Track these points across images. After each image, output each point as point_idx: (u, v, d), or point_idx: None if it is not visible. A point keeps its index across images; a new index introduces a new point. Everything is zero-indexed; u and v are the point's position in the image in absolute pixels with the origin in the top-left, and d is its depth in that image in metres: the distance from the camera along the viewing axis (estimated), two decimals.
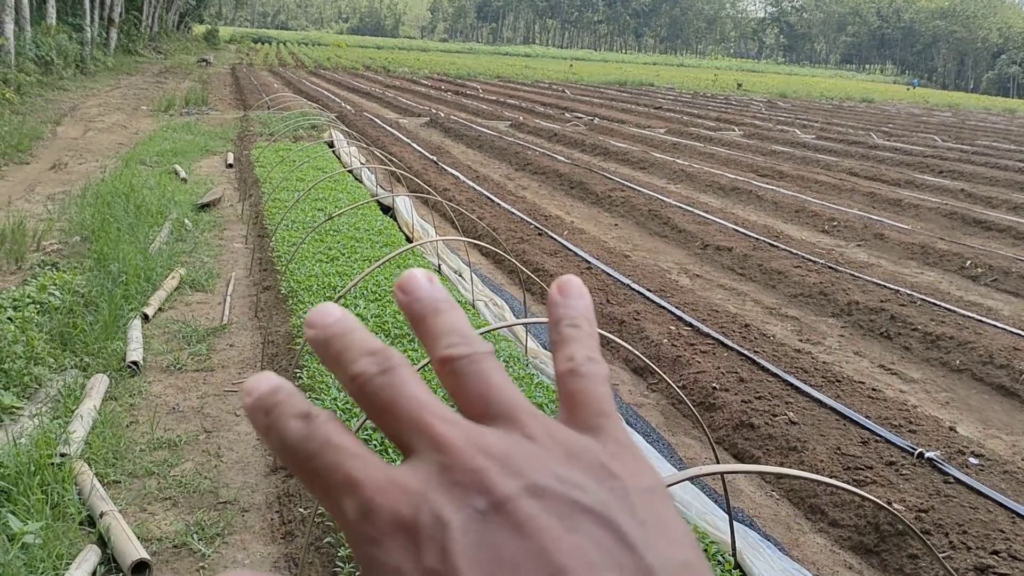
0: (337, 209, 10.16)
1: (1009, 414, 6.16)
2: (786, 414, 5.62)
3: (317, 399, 4.79)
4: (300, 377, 5.28)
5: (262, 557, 3.93)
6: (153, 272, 7.82)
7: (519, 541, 0.31)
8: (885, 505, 2.17)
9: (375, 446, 4.22)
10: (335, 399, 4.73)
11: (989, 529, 4.26)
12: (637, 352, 3.90)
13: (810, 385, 6.16)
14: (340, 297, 4.92)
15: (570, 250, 10.03)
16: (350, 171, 14.25)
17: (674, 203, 13.16)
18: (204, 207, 11.40)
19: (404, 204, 11.42)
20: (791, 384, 6.15)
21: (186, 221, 10.26)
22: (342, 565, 3.44)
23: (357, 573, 3.30)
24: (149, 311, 6.96)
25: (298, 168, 12.91)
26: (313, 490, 0.36)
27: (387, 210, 11.39)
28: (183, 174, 13.41)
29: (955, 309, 8.07)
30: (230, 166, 15.03)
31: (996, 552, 4.08)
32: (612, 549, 0.32)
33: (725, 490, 3.76)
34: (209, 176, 13.83)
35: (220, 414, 5.41)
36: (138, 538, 3.86)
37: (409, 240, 9.96)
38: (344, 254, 8.05)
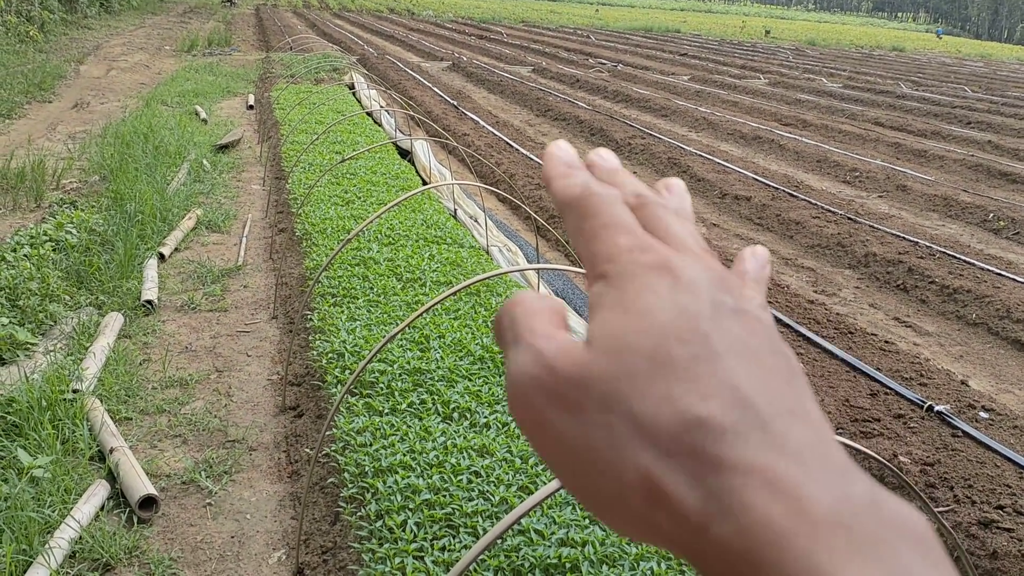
0: (354, 152, 10.13)
1: (1023, 369, 6.11)
2: None
3: (326, 340, 4.82)
4: (311, 319, 5.31)
5: (268, 495, 4.00)
6: (170, 212, 7.85)
7: (756, 337, 0.36)
8: (883, 460, 2.17)
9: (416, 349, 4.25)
10: (344, 341, 4.76)
11: (995, 484, 4.25)
12: None
13: (822, 336, 6.13)
14: (352, 238, 4.91)
15: None
16: (369, 114, 14.17)
17: (694, 151, 13.00)
18: (223, 148, 11.40)
19: (422, 148, 11.36)
20: (803, 335, 6.12)
21: (204, 162, 10.27)
22: (344, 505, 3.49)
23: (359, 513, 3.36)
24: (165, 251, 7.00)
25: (317, 110, 12.85)
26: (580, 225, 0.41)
27: (405, 154, 11.33)
28: (203, 115, 13.38)
29: (974, 262, 7.97)
30: (251, 107, 14.98)
31: (1001, 507, 4.07)
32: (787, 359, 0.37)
33: None
34: (229, 117, 13.80)
35: (232, 354, 5.46)
36: (147, 474, 3.93)
37: (426, 184, 9.92)
38: (360, 197, 8.03)
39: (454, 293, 3.47)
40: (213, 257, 7.22)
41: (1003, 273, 7.73)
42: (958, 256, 8.14)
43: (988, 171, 12.83)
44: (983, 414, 5.06)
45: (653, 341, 0.35)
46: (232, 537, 3.70)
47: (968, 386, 5.55)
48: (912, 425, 4.86)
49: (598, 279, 0.39)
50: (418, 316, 3.28)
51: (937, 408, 5.00)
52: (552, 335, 0.38)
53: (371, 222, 5.19)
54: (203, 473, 4.10)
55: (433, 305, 3.30)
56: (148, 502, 3.75)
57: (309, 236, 6.92)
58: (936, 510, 4.03)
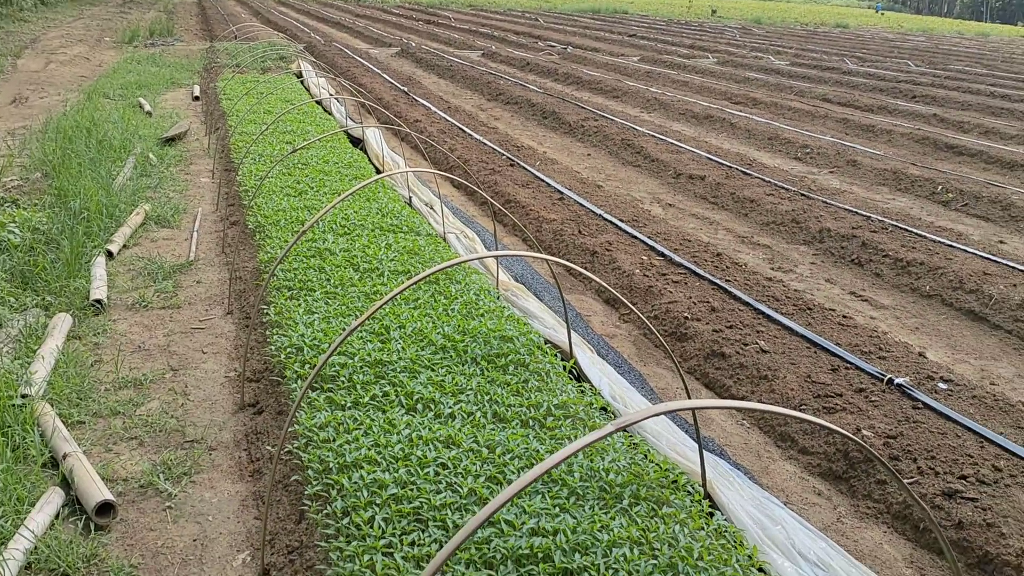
0: (305, 141, 9.96)
1: (978, 339, 6.20)
2: (757, 343, 5.62)
3: (284, 335, 4.72)
4: (267, 313, 5.20)
5: (230, 495, 3.90)
6: (117, 208, 7.64)
7: None
8: (852, 437, 2.15)
9: (344, 382, 4.17)
10: (302, 335, 4.66)
11: (957, 454, 4.30)
12: (607, 285, 3.85)
13: (781, 313, 6.16)
14: (307, 230, 4.80)
15: (542, 180, 9.91)
16: (319, 102, 13.95)
17: (647, 132, 13.01)
18: (170, 141, 11.13)
19: (374, 136, 11.21)
20: (762, 313, 6.15)
21: (151, 155, 10.02)
22: (309, 503, 3.41)
23: (325, 510, 3.29)
24: (113, 248, 6.81)
25: (265, 100, 12.61)
26: None
27: (357, 142, 11.17)
28: (148, 107, 13.06)
29: (926, 235, 8.08)
30: (196, 99, 14.66)
31: (964, 477, 4.12)
32: None
33: (696, 423, 3.75)
34: (175, 109, 13.48)
35: (187, 352, 5.33)
36: (103, 479, 3.81)
37: (379, 172, 9.79)
38: (313, 187, 7.89)
39: (415, 283, 3.40)
40: (163, 253, 7.05)
41: (954, 245, 7.84)
42: (910, 229, 8.25)
43: (935, 144, 13.02)
44: (942, 385, 5.12)
45: None
46: (194, 540, 3.60)
47: (926, 358, 5.62)
48: (873, 399, 4.90)
49: None
50: (379, 308, 3.21)
51: (897, 381, 5.05)
52: None
53: (326, 212, 5.08)
54: (161, 475, 3.99)
55: (394, 296, 3.23)
56: (105, 508, 3.64)
57: (262, 228, 6.78)
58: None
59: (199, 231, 7.65)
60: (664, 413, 2.16)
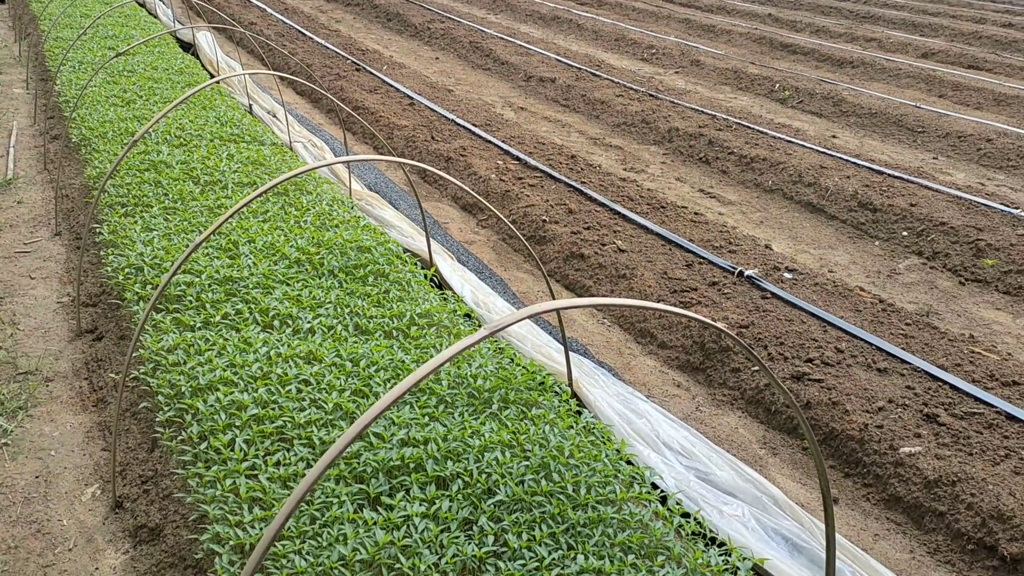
0: (130, 45, 9.21)
1: (816, 229, 6.49)
2: (615, 242, 5.68)
3: (121, 255, 4.39)
4: (100, 233, 4.82)
5: (73, 428, 3.64)
6: None
7: None
8: (714, 324, 2.17)
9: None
10: (141, 254, 4.34)
11: (803, 339, 4.50)
12: (468, 188, 3.74)
13: (636, 213, 6.24)
14: (138, 140, 4.42)
15: (391, 86, 9.59)
16: (141, 4, 12.95)
17: (495, 34, 12.77)
18: None
19: (207, 40, 10.49)
20: (618, 213, 6.21)
21: None
22: (162, 430, 3.22)
23: (180, 436, 3.11)
24: None
25: (81, 2, 11.56)
26: None
27: (188, 48, 10.44)
28: None
29: (767, 132, 8.34)
30: (2, 2, 13.30)
31: (810, 360, 4.33)
32: None
33: (561, 324, 3.75)
34: None
35: (12, 278, 4.90)
36: None
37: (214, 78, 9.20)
38: (141, 96, 7.32)
39: (263, 193, 3.19)
40: None
41: (793, 140, 8.13)
42: (752, 127, 8.48)
43: (771, 43, 13.38)
44: (787, 275, 5.34)
45: None
46: (37, 477, 3.35)
47: (771, 249, 5.83)
48: (726, 291, 5.05)
49: None
50: (226, 220, 3.00)
51: (747, 273, 5.23)
52: None
53: (159, 119, 4.70)
54: None
55: (241, 207, 3.02)
56: None
57: (88, 142, 6.25)
58: (753, 369, 4.24)
59: (16, 147, 7.00)
60: (534, 315, 2.10)
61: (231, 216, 3.02)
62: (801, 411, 2.43)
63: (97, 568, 2.92)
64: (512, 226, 6.12)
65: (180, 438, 3.12)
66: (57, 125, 7.32)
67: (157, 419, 3.25)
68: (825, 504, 2.65)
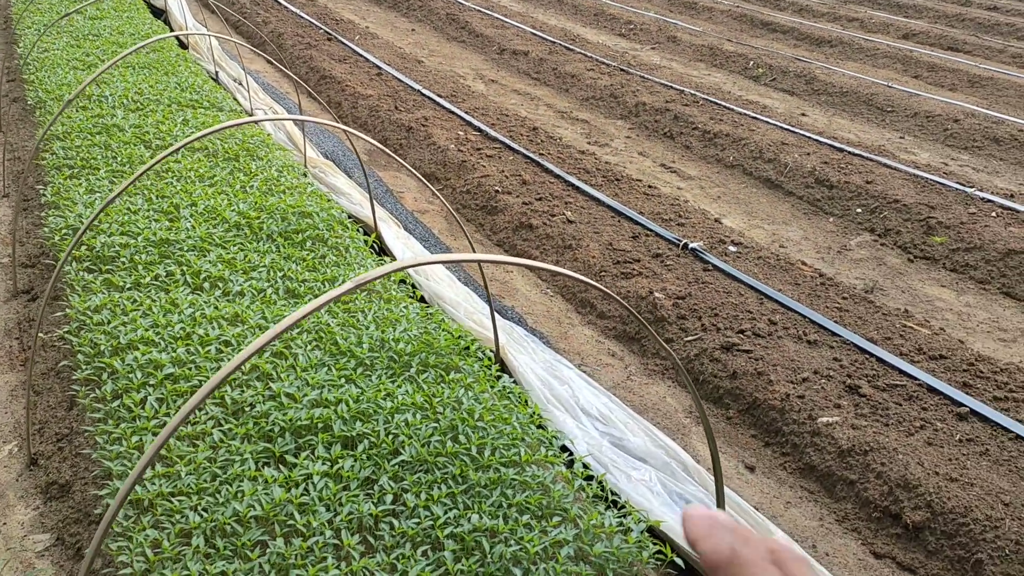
0: (98, 10, 9.15)
1: (772, 205, 6.51)
2: (564, 214, 5.69)
3: (60, 216, 4.39)
4: (44, 194, 4.82)
5: None
6: None
7: None
8: (597, 286, 2.20)
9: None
10: (80, 215, 4.34)
11: (739, 311, 4.53)
12: (407, 165, 3.75)
13: (590, 185, 6.24)
14: (74, 98, 4.42)
15: (360, 56, 9.55)
16: None
17: (473, 7, 12.70)
18: None
19: (178, 6, 10.43)
20: (572, 184, 6.22)
21: None
22: (78, 388, 3.24)
23: (95, 394, 3.13)
24: None
25: None
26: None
27: (160, 14, 10.37)
28: None
29: (733, 108, 8.33)
30: None
31: (742, 331, 4.36)
32: None
33: (486, 287, 3.78)
34: None
35: None
36: None
37: (183, 46, 9.15)
38: (103, 60, 7.28)
39: (190, 142, 3.19)
40: None
41: (758, 117, 8.13)
42: (719, 103, 8.48)
43: (752, 21, 13.33)
44: (732, 248, 5.36)
45: None
46: None
47: (722, 223, 5.85)
48: (668, 263, 5.08)
49: None
50: (148, 169, 3.01)
51: (692, 246, 5.25)
52: None
53: (99, 75, 4.68)
54: None
55: (167, 156, 3.03)
56: None
57: (43, 104, 6.22)
58: (685, 340, 4.27)
59: None
60: (411, 267, 2.13)
61: (154, 165, 3.02)
62: (692, 383, 2.46)
63: (5, 523, 2.95)
64: (466, 196, 6.14)
65: (95, 396, 3.15)
66: (17, 88, 7.29)
67: (75, 377, 3.28)
68: (714, 463, 2.69)
